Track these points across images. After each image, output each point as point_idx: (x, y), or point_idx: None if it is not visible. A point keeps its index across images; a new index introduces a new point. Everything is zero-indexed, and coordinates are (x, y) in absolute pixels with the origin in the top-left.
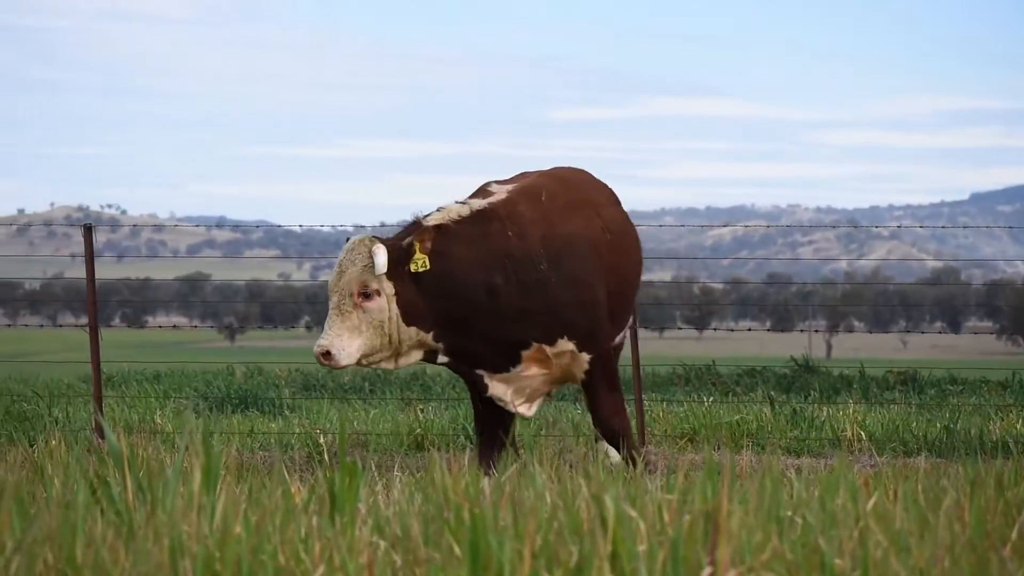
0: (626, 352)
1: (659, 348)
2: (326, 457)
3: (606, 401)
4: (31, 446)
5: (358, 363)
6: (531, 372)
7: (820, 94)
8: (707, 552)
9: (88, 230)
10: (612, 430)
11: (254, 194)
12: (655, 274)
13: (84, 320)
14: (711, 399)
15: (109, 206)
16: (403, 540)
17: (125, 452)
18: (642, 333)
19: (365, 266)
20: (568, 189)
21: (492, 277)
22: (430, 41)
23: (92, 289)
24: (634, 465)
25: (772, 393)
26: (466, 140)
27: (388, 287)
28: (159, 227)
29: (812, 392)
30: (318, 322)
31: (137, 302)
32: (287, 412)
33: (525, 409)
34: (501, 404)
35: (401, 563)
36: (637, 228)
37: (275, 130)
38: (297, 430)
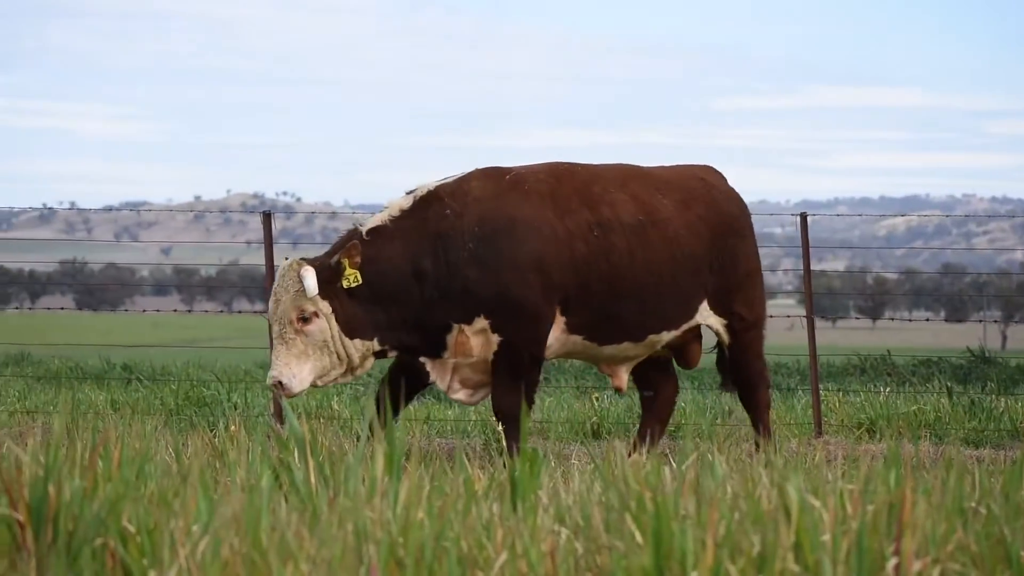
0: (802, 342)
1: (833, 338)
2: (504, 445)
3: (503, 388)
4: (211, 431)
5: (314, 385)
6: (460, 358)
7: (995, 82)
8: (891, 543)
9: (267, 217)
10: (499, 416)
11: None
12: (828, 264)
13: (259, 306)
14: (887, 389)
15: (284, 193)
16: (584, 528)
17: (307, 438)
18: (816, 323)
19: (297, 291)
20: (573, 178)
21: (421, 263)
22: (592, 30)
23: (271, 276)
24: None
25: (949, 384)
26: (630, 129)
27: (325, 307)
28: (334, 214)
29: (989, 383)
30: None
31: None
32: None
33: (464, 396)
34: (441, 388)
35: (582, 551)
36: (810, 217)
37: (445, 120)
38: (474, 417)
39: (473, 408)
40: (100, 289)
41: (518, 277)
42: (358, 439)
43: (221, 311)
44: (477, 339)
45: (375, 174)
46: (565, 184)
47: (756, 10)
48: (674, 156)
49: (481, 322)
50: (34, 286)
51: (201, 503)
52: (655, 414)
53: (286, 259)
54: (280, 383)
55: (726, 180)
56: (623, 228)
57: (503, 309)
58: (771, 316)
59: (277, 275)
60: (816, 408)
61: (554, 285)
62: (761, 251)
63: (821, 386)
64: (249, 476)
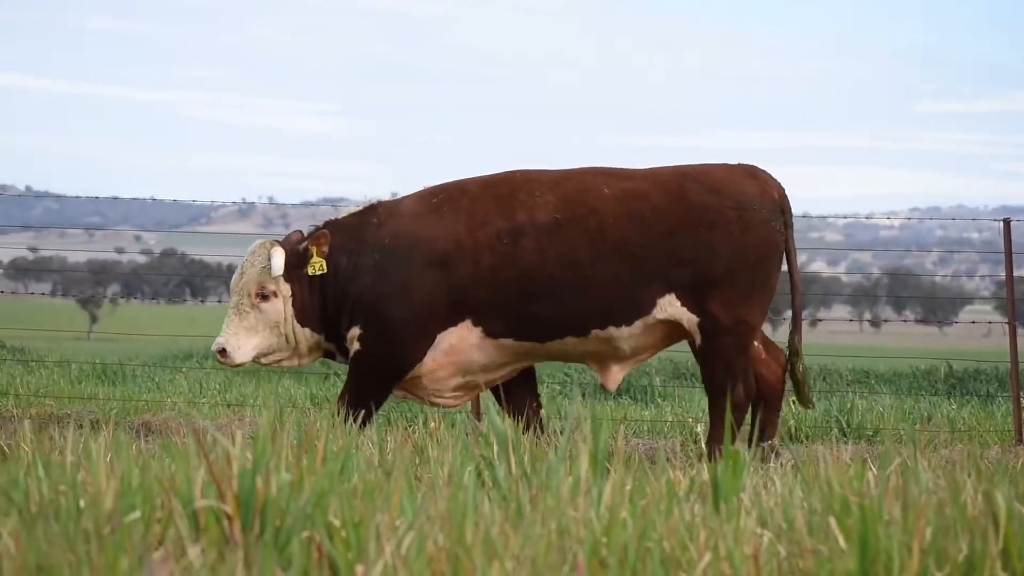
0: (1001, 348)
1: None
2: (703, 446)
3: (357, 387)
4: (407, 427)
5: (255, 361)
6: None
7: None
8: None
9: None
10: (349, 405)
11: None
12: None
13: None
14: None
15: None
16: (787, 531)
17: (510, 435)
18: (1018, 329)
19: (264, 268)
20: (502, 188)
21: (340, 261)
22: (796, 32)
23: None
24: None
25: None
26: (831, 132)
27: (285, 289)
28: None
29: None
30: None
31: None
32: (659, 400)
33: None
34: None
35: (785, 554)
36: (1014, 223)
37: (643, 119)
38: (669, 418)
39: (670, 409)
40: None
41: (399, 300)
42: (556, 437)
43: None
44: (355, 342)
45: None
46: (488, 196)
47: (958, 13)
48: (870, 159)
49: (355, 331)
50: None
51: (405, 498)
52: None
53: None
54: (224, 350)
55: (753, 179)
56: (536, 229)
57: (379, 326)
58: (972, 322)
59: (248, 251)
60: (1017, 415)
61: (446, 305)
62: (958, 256)
63: (1022, 393)
64: (451, 472)
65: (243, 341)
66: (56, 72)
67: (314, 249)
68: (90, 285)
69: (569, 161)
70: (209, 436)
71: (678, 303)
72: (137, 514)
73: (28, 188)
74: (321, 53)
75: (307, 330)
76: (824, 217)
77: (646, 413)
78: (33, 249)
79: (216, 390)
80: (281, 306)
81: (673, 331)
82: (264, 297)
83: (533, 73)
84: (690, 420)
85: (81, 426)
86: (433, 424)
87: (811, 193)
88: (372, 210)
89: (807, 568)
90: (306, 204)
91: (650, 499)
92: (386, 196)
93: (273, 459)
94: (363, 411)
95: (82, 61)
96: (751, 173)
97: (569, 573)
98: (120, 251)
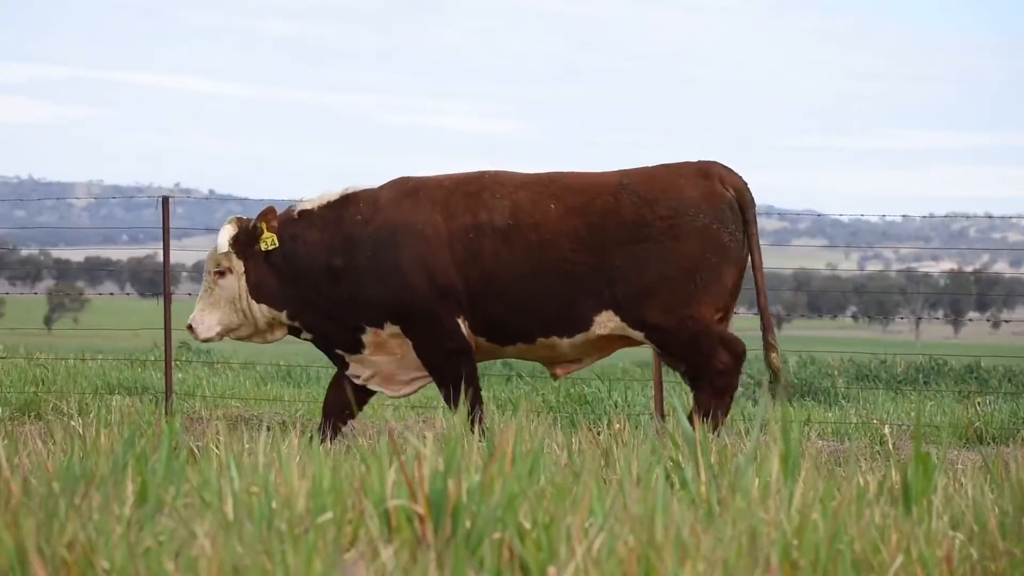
0: None
1: None
2: (890, 447)
3: (441, 386)
4: (592, 428)
5: (221, 336)
6: (379, 357)
7: None
8: None
9: None
10: (454, 404)
11: (800, 183)
12: None
13: None
14: None
15: None
16: (979, 534)
17: (698, 436)
18: None
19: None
20: (470, 185)
21: (333, 260)
22: (973, 31)
23: None
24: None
25: None
26: (1009, 132)
27: (238, 265)
28: None
29: None
30: (864, 312)
31: None
32: (843, 401)
33: (389, 389)
34: (361, 383)
35: (977, 557)
36: None
37: (816, 119)
38: (854, 419)
39: (854, 411)
40: None
41: (408, 282)
42: (743, 438)
43: None
44: (395, 340)
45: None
46: (459, 191)
47: None
48: None
49: (392, 327)
50: None
51: (595, 500)
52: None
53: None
54: (191, 325)
55: (702, 179)
56: (493, 231)
57: (406, 314)
58: None
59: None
60: None
61: (442, 285)
62: None
63: None
64: (639, 474)
65: (206, 316)
66: (233, 76)
67: (263, 225)
68: None
69: (750, 162)
70: (404, 440)
71: (617, 319)
72: (329, 515)
73: (211, 192)
74: (494, 55)
75: (263, 306)
76: (1007, 217)
77: (830, 415)
78: None
79: None
80: (235, 282)
81: (623, 339)
82: (221, 273)
83: (707, 73)
84: (875, 421)
85: (269, 428)
86: (618, 425)
87: (994, 193)
88: (349, 204)
89: (1000, 571)
90: None
91: (841, 501)
92: None
93: (463, 460)
94: (457, 382)
95: (258, 64)
96: (703, 172)
97: (761, 575)
98: None
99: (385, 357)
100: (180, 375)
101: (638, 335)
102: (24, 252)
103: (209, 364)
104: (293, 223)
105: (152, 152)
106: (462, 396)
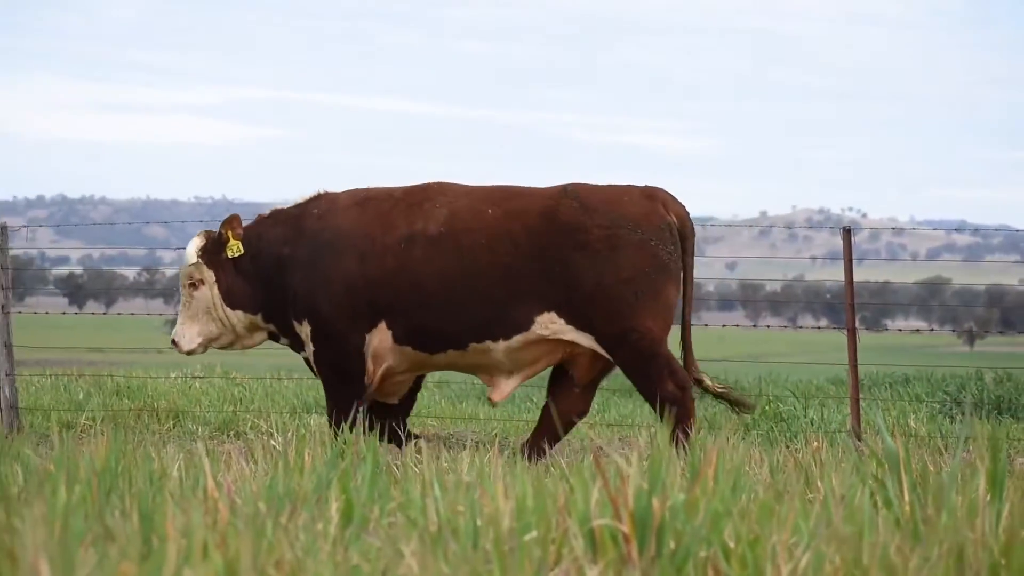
0: None
1: None
2: None
3: (327, 398)
4: (787, 446)
5: (204, 347)
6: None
7: None
8: None
9: (847, 233)
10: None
11: (994, 199)
12: None
13: (824, 322)
14: None
15: (850, 209)
16: None
17: (901, 454)
18: None
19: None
20: (414, 196)
21: (283, 250)
22: None
23: (851, 292)
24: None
25: None
26: None
27: (209, 275)
28: (899, 230)
29: None
30: None
31: (876, 305)
32: None
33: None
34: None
35: None
36: None
37: (1013, 135)
38: None
39: None
40: None
41: (327, 291)
42: (942, 456)
43: (785, 327)
44: (309, 342)
45: (944, 190)
46: (403, 202)
47: None
48: None
49: (305, 327)
50: None
51: (800, 518)
52: (545, 427)
53: None
54: (173, 340)
55: (647, 200)
56: (425, 239)
57: (316, 320)
58: None
59: None
60: None
61: (359, 303)
62: None
63: None
64: (843, 492)
65: (187, 329)
66: (431, 96)
67: (228, 233)
68: None
69: (948, 177)
70: (604, 455)
71: (561, 321)
72: (534, 533)
73: None
74: (688, 73)
75: (239, 312)
76: None
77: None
78: None
79: (596, 409)
80: (208, 292)
81: (558, 347)
82: (194, 286)
83: (904, 88)
84: None
85: (466, 446)
86: (815, 444)
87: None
88: (313, 202)
89: None
90: None
91: None
92: (754, 214)
93: (668, 479)
94: (339, 403)
95: (456, 84)
96: (648, 195)
97: None
98: None
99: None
100: None
101: (584, 338)
102: None
103: None
104: (263, 222)
105: (342, 171)
106: (347, 416)
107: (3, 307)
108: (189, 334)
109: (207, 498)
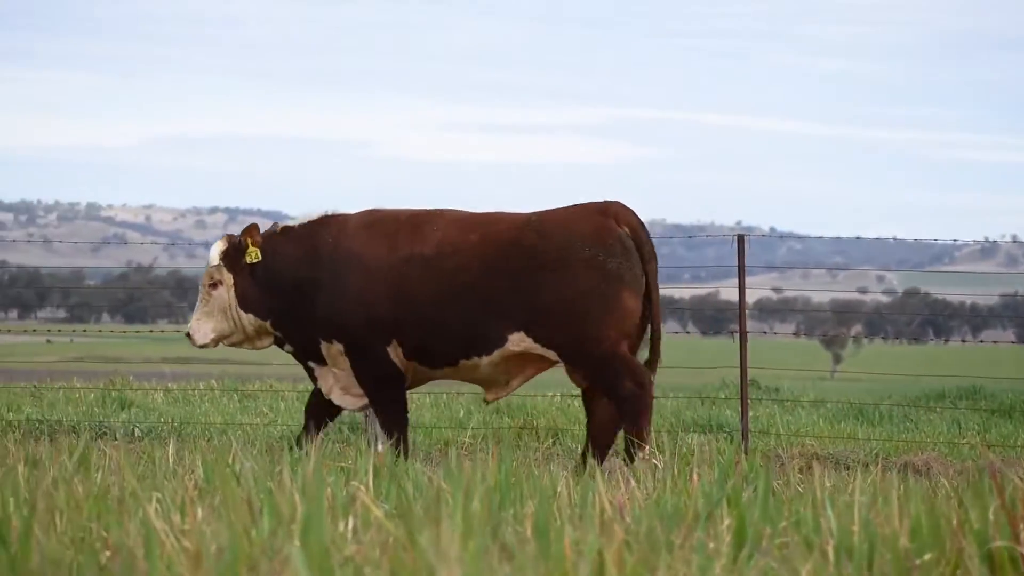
0: None
1: None
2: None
3: (374, 407)
4: None
5: (216, 343)
6: (337, 370)
7: None
8: None
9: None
10: (382, 426)
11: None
12: None
13: None
14: None
15: None
16: None
17: None
18: None
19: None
20: (416, 220)
21: (302, 274)
22: None
23: None
24: (405, 455)
25: None
26: None
27: (228, 277)
28: None
29: None
30: None
31: None
32: None
33: (348, 402)
34: (325, 394)
35: None
36: None
37: None
38: None
39: None
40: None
41: (346, 309)
42: None
43: None
44: (343, 357)
45: None
46: (406, 225)
47: None
48: None
49: (337, 345)
50: (975, 319)
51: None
52: (592, 439)
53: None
54: (188, 334)
55: (598, 216)
56: (422, 261)
57: (345, 336)
58: None
59: None
60: None
61: (374, 317)
62: None
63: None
64: None
65: (202, 325)
66: (803, 114)
67: (248, 240)
68: (833, 325)
69: None
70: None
71: (529, 339)
72: (930, 555)
73: (772, 229)
74: None
75: (250, 315)
76: None
77: None
78: (777, 290)
79: (975, 431)
80: (225, 293)
81: (541, 360)
82: (214, 286)
83: None
84: None
85: (848, 467)
86: None
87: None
88: (324, 227)
89: None
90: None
91: None
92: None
93: None
94: (387, 407)
95: (808, 101)
96: (601, 211)
97: None
98: (863, 291)
99: (341, 371)
100: (753, 413)
101: (550, 354)
102: None
103: (779, 402)
104: (275, 239)
105: (714, 191)
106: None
107: None
108: (204, 329)
109: (602, 516)
